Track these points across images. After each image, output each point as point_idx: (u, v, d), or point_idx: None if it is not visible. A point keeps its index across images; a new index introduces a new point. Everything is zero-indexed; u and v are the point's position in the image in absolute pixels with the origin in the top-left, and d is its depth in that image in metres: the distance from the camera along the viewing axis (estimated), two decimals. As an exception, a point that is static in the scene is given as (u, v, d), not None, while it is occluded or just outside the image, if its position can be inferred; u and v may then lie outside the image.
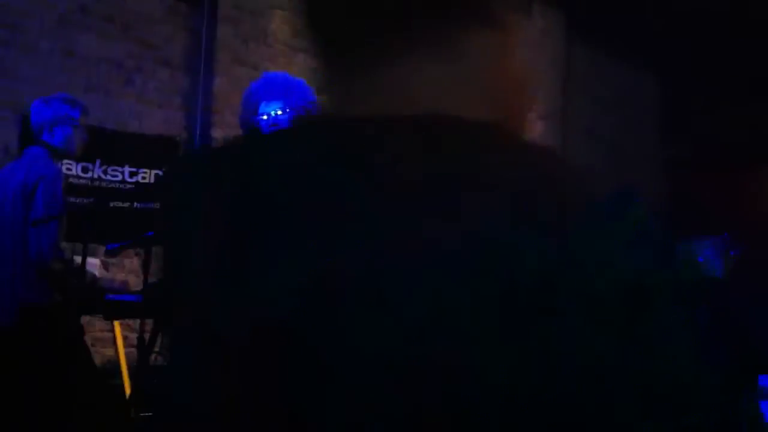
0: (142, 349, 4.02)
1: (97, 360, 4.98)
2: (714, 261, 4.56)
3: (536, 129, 8.06)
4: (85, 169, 5.05)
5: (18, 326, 3.47)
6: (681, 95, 9.55)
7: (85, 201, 4.71)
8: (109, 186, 5.14)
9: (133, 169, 5.27)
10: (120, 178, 5.21)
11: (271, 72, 3.43)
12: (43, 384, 3.50)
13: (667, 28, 8.43)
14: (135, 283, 5.11)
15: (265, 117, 3.16)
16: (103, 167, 5.13)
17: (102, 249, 4.74)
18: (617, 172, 7.99)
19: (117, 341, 4.58)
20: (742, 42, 8.20)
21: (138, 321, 3.98)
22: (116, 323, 4.58)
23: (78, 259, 3.51)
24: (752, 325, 6.06)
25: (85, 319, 4.44)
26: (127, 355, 4.60)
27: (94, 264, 4.46)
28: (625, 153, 9.04)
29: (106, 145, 4.21)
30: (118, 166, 5.21)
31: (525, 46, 0.65)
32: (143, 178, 5.32)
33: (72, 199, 4.63)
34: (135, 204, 5.29)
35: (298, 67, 6.03)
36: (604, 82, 9.02)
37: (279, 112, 3.15)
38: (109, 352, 4.93)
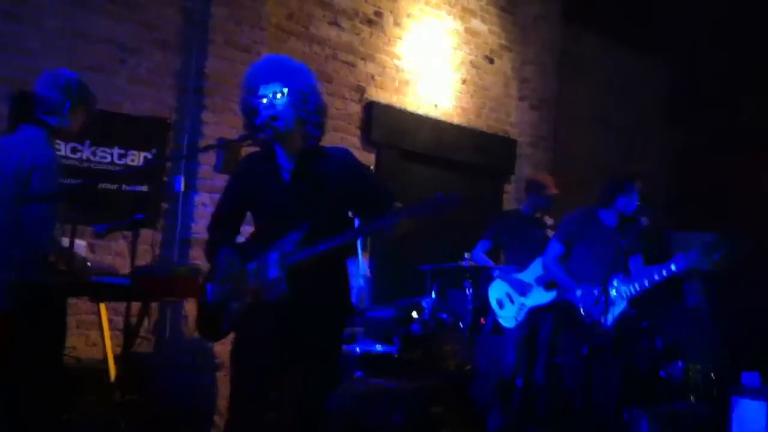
0: (127, 332, 3.98)
1: (83, 342, 4.94)
2: (699, 261, 4.51)
3: (527, 117, 8.00)
4: (74, 150, 4.99)
5: (10, 306, 3.40)
6: (686, 80, 9.51)
7: (73, 182, 4.65)
8: (98, 168, 5.08)
9: (122, 151, 5.21)
10: (109, 159, 5.15)
11: (272, 54, 3.34)
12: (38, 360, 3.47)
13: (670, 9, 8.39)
14: (121, 265, 5.06)
15: (264, 100, 3.09)
16: (93, 148, 5.07)
17: (89, 230, 4.69)
18: (619, 161, 7.94)
19: (103, 324, 4.53)
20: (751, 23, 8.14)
21: (124, 304, 3.93)
22: (102, 306, 4.52)
23: (66, 240, 3.46)
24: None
25: (71, 302, 4.38)
26: (112, 338, 4.55)
27: (81, 246, 4.41)
28: (627, 141, 8.98)
29: (97, 125, 4.11)
30: (108, 147, 5.15)
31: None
32: (132, 160, 5.26)
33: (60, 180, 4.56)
34: (123, 186, 5.23)
35: (289, 51, 5.97)
36: (603, 68, 8.94)
37: (278, 95, 3.08)
38: (95, 335, 4.89)
